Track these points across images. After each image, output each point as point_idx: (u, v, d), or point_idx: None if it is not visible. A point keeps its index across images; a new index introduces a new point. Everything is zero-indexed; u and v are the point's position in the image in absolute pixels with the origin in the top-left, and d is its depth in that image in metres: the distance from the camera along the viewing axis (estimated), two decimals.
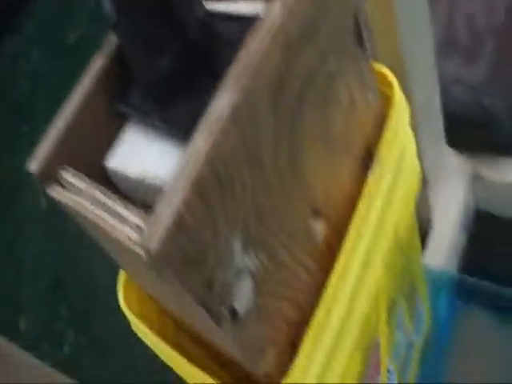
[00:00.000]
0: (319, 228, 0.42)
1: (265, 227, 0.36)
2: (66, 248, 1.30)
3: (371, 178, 0.45)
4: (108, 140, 0.39)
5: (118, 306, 0.46)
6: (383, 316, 0.51)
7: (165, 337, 0.45)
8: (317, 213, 0.42)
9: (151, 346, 0.47)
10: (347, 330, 0.43)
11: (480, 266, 0.90)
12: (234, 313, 0.35)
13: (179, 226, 0.29)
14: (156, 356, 0.48)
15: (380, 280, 0.48)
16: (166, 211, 0.29)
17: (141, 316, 0.46)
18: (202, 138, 0.31)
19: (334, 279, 0.42)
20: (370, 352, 0.50)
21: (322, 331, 0.41)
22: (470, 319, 0.80)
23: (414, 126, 0.79)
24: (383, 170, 0.45)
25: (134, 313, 0.45)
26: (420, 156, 0.84)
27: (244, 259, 0.35)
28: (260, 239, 0.36)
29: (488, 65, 1.15)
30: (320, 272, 0.42)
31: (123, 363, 1.12)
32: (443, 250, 0.87)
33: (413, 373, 0.70)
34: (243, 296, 0.35)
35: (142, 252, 0.30)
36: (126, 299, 0.46)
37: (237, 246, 0.34)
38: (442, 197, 0.89)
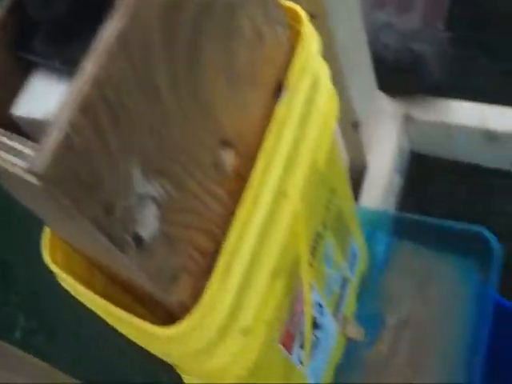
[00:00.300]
0: (229, 158, 0.42)
1: (167, 156, 0.37)
2: (13, 233, 1.29)
3: (280, 109, 0.45)
4: (14, 90, 0.39)
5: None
6: (304, 248, 0.51)
7: (94, 289, 0.45)
8: (226, 143, 0.42)
9: (79, 298, 0.47)
10: (261, 260, 0.44)
11: (415, 205, 0.92)
12: (138, 239, 0.35)
13: (67, 147, 0.30)
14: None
15: (298, 212, 0.48)
16: (53, 134, 0.30)
17: (69, 271, 0.45)
18: (89, 63, 0.31)
19: (243, 209, 0.42)
20: (291, 283, 0.51)
21: (234, 260, 0.41)
22: (406, 254, 0.82)
23: (342, 70, 0.80)
24: (292, 100, 0.46)
25: (60, 268, 0.45)
26: (352, 100, 0.86)
27: (146, 186, 0.35)
28: (163, 168, 0.36)
29: (420, 15, 1.18)
30: (233, 203, 0.43)
31: (74, 344, 1.13)
32: (379, 191, 0.88)
33: (349, 308, 0.71)
34: (148, 223, 0.36)
35: (34, 179, 0.30)
36: (51, 255, 0.45)
37: (136, 173, 0.34)
38: (376, 139, 0.91)
